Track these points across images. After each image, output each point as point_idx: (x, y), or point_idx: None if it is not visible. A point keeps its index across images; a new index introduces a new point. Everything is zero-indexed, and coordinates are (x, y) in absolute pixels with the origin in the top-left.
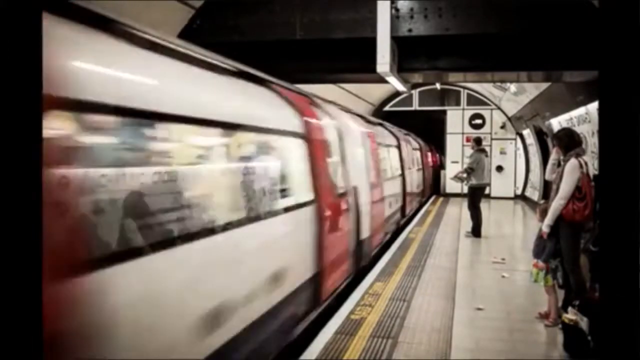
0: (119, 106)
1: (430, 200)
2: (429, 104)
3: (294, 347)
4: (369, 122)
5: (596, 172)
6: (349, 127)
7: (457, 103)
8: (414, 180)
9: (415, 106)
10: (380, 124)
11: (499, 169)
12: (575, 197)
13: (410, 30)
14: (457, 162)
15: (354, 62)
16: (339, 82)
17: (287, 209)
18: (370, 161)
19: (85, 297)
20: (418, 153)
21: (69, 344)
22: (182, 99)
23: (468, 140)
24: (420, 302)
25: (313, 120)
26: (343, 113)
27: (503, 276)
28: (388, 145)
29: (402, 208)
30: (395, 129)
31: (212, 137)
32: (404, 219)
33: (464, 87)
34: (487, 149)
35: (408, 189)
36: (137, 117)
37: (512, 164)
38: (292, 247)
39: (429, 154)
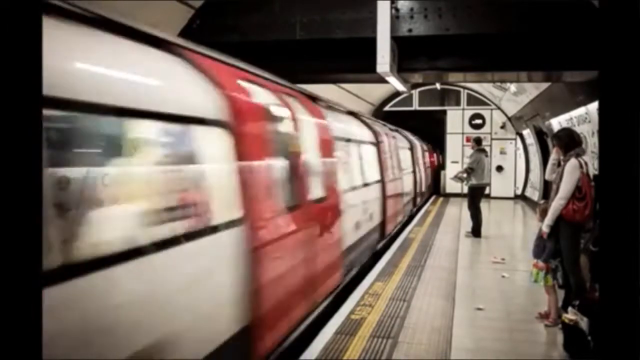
0: None
1: (430, 201)
2: (429, 104)
3: (295, 347)
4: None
5: (596, 172)
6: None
7: (457, 103)
8: (397, 190)
9: (415, 106)
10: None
11: (499, 169)
12: (575, 197)
13: (410, 30)
14: (457, 162)
15: (354, 62)
16: (339, 82)
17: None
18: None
19: None
20: (408, 153)
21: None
22: None
23: (468, 140)
24: (420, 302)
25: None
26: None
27: (503, 276)
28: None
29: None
30: (376, 123)
31: None
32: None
33: (464, 87)
34: (487, 149)
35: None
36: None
37: (512, 164)
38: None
39: (425, 153)
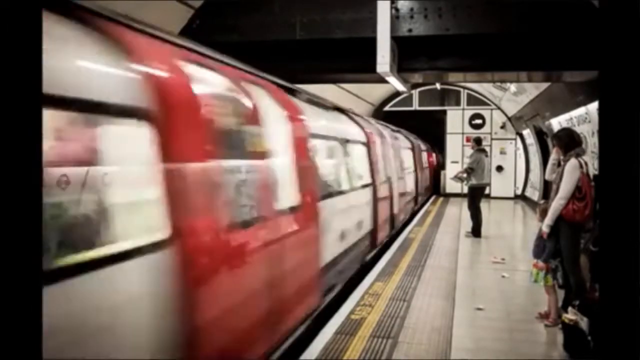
0: None
1: (431, 200)
2: (429, 104)
3: (294, 347)
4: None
5: (596, 172)
6: None
7: (457, 103)
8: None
9: (415, 106)
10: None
11: (499, 169)
12: (575, 197)
13: (410, 30)
14: (457, 162)
15: (354, 62)
16: (339, 82)
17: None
18: None
19: None
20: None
21: None
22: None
23: (468, 140)
24: (420, 302)
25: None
26: None
27: (503, 276)
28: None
29: None
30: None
31: None
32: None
33: (464, 87)
34: (487, 149)
35: None
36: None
37: (512, 164)
38: None
39: (408, 152)
